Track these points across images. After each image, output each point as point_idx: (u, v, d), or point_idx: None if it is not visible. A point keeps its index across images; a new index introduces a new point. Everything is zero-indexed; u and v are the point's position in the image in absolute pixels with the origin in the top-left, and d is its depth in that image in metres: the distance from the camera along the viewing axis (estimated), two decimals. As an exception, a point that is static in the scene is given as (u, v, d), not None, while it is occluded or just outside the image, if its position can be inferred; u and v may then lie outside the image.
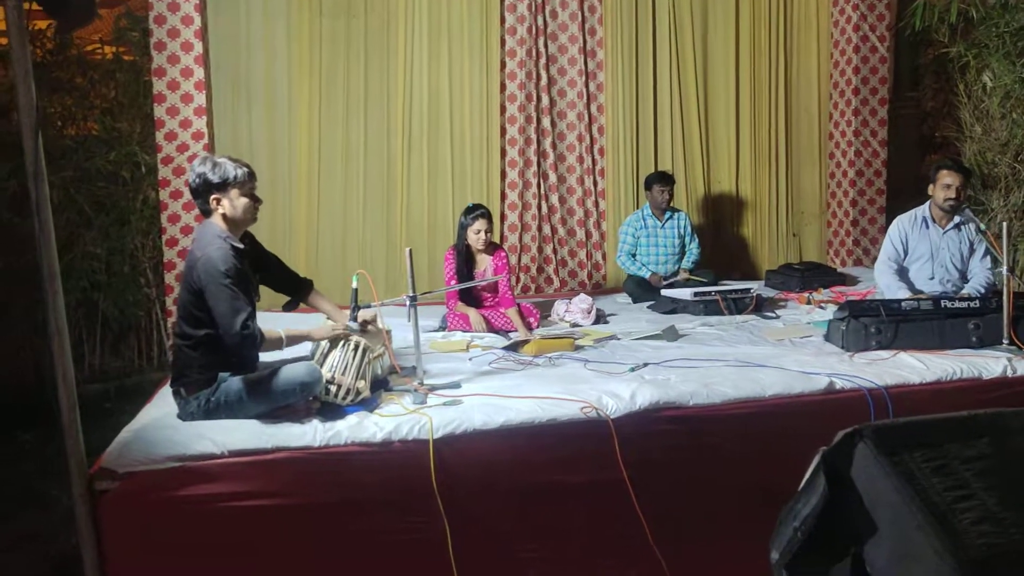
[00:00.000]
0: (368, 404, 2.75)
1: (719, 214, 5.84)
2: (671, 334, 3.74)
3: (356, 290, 2.88)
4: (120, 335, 6.06)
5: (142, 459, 2.36)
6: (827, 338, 3.59)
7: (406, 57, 5.25)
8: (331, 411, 2.68)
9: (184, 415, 2.66)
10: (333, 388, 2.68)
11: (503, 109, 5.44)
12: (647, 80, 5.64)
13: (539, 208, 5.55)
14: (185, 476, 2.37)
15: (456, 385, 3.03)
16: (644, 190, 5.18)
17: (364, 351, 2.78)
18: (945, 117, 5.87)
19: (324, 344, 2.83)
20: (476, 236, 4.14)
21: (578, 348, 3.55)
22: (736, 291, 4.33)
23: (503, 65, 5.42)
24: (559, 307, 4.27)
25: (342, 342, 2.78)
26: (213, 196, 2.67)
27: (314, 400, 2.69)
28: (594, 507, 2.63)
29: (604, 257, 5.67)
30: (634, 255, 5.09)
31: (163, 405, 2.85)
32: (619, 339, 3.79)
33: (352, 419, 2.62)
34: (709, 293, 4.28)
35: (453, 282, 4.14)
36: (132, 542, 2.34)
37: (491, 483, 2.57)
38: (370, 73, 5.22)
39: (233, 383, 2.62)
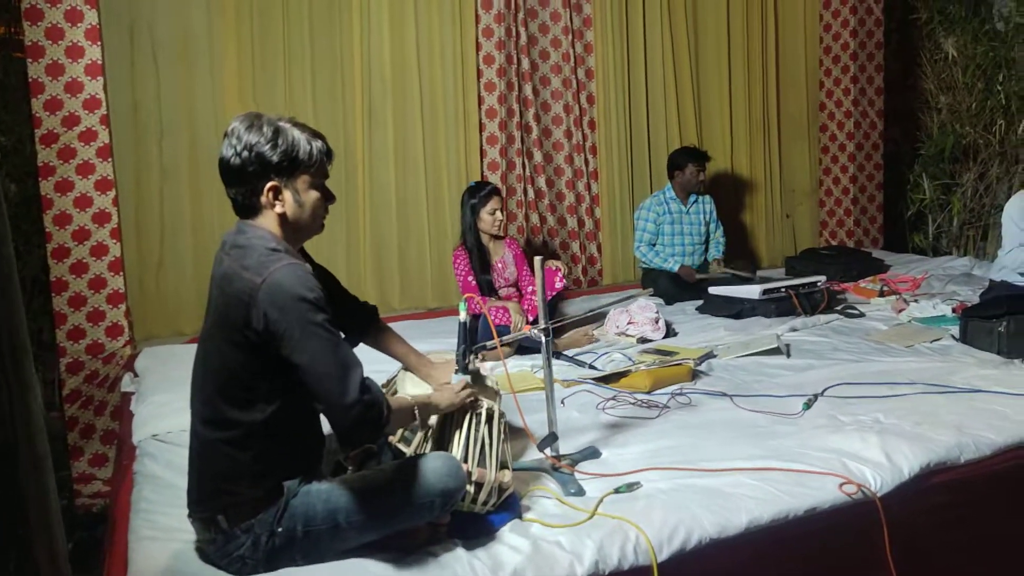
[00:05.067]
0: (513, 506, 1.78)
1: (714, 195, 5.16)
2: (784, 347, 3.00)
3: (465, 324, 1.89)
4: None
5: None
6: (964, 340, 3.00)
7: (361, 5, 4.13)
8: (466, 526, 1.69)
9: (225, 561, 1.56)
10: (470, 489, 1.68)
11: (480, 73, 4.46)
12: (637, 42, 4.85)
13: (524, 193, 4.64)
14: None
15: (595, 453, 2.11)
16: (674, 169, 4.36)
17: (501, 423, 1.80)
18: (904, 87, 5.59)
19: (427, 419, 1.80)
20: (491, 219, 3.50)
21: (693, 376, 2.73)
22: (804, 285, 3.67)
23: (477, 19, 4.42)
24: (617, 317, 3.40)
25: (467, 414, 1.78)
26: (269, 184, 1.58)
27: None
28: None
29: (599, 249, 4.85)
30: (653, 245, 4.32)
31: (153, 531, 1.72)
32: (715, 356, 3.00)
33: (513, 539, 1.65)
34: (779, 290, 3.59)
35: (471, 278, 3.45)
36: None
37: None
38: (316, 22, 4.04)
39: (315, 498, 1.56)
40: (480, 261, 3.52)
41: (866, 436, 2.03)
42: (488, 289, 3.52)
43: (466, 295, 1.96)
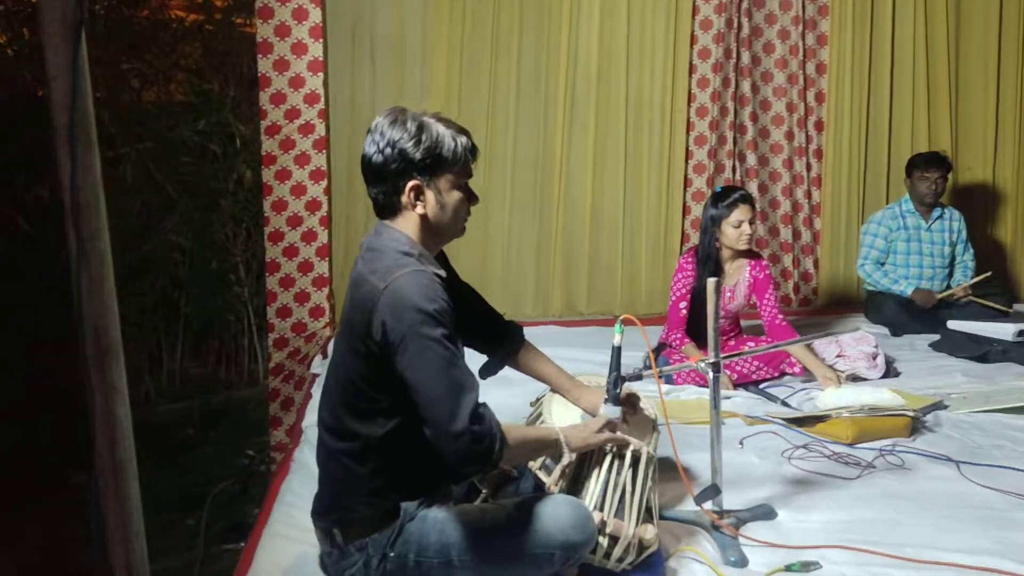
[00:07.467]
0: (656, 566, 1.55)
1: (968, 209, 4.41)
2: (1038, 406, 2.43)
3: (619, 348, 1.67)
4: (201, 336, 5.08)
5: None
6: None
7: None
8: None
9: (339, 576, 1.51)
10: (603, 541, 1.48)
11: (692, 68, 4.14)
12: (883, 31, 4.26)
13: (734, 199, 4.25)
14: None
15: (769, 513, 1.80)
16: (905, 177, 3.81)
17: (649, 467, 1.58)
18: None
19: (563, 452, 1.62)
20: (736, 232, 2.87)
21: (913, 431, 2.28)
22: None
23: (695, 10, 4.11)
24: (825, 348, 2.97)
25: (608, 453, 1.57)
26: (411, 183, 1.49)
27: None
28: None
29: (816, 265, 4.34)
30: (882, 264, 3.76)
31: (288, 528, 1.72)
32: (946, 408, 2.49)
33: (647, 609, 1.42)
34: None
35: (683, 305, 2.91)
36: None
37: None
38: (526, 20, 3.97)
39: (431, 526, 1.45)
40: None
41: None
42: (694, 326, 2.93)
43: (628, 319, 1.68)
